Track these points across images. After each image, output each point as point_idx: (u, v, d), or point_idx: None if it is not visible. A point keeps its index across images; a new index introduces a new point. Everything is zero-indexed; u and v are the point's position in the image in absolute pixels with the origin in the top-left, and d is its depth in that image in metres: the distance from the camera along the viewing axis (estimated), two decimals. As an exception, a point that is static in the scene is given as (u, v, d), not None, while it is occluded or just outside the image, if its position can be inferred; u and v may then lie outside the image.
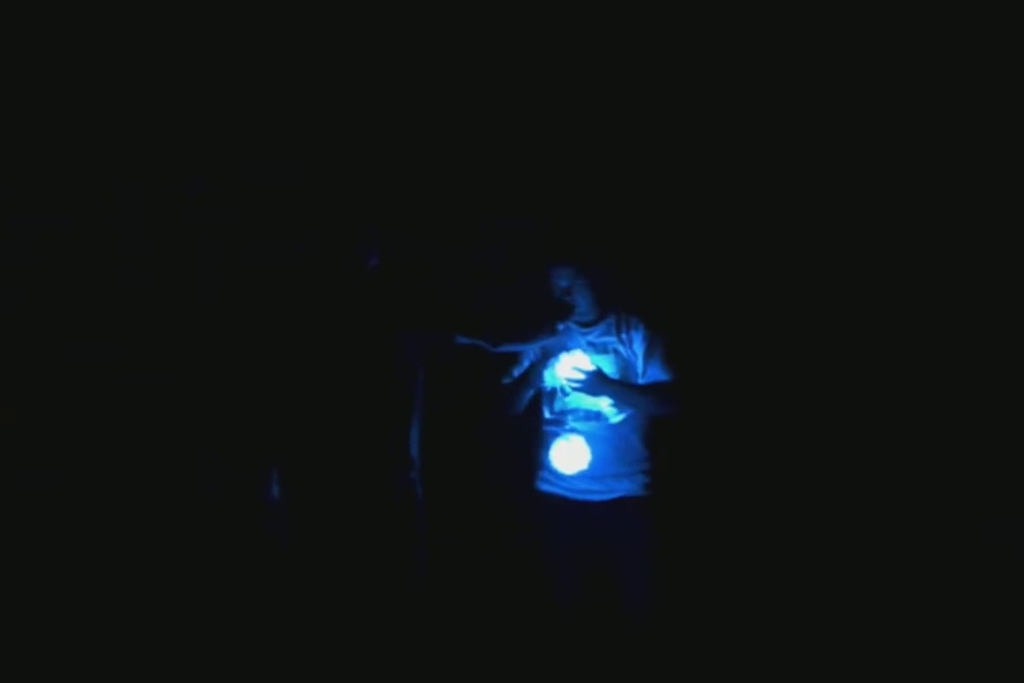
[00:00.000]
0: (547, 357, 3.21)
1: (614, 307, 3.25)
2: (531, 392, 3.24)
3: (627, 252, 3.54)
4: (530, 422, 3.29)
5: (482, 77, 3.69)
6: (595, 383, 3.10)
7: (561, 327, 3.24)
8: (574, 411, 3.20)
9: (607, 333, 3.23)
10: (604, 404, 3.17)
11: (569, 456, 3.14)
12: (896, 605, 3.49)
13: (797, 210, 3.78)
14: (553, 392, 3.22)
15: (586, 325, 3.24)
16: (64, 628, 3.22)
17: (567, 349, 3.17)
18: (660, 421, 3.20)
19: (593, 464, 3.13)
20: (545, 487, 3.24)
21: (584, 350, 3.18)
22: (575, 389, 3.13)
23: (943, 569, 3.51)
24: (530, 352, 3.27)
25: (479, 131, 3.72)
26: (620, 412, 3.16)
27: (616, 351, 3.21)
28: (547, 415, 3.26)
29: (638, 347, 3.21)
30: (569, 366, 3.11)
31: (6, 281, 3.38)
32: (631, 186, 3.79)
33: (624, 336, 3.22)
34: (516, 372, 3.28)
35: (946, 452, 3.61)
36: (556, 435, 3.19)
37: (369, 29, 3.62)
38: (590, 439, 3.15)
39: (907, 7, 3.55)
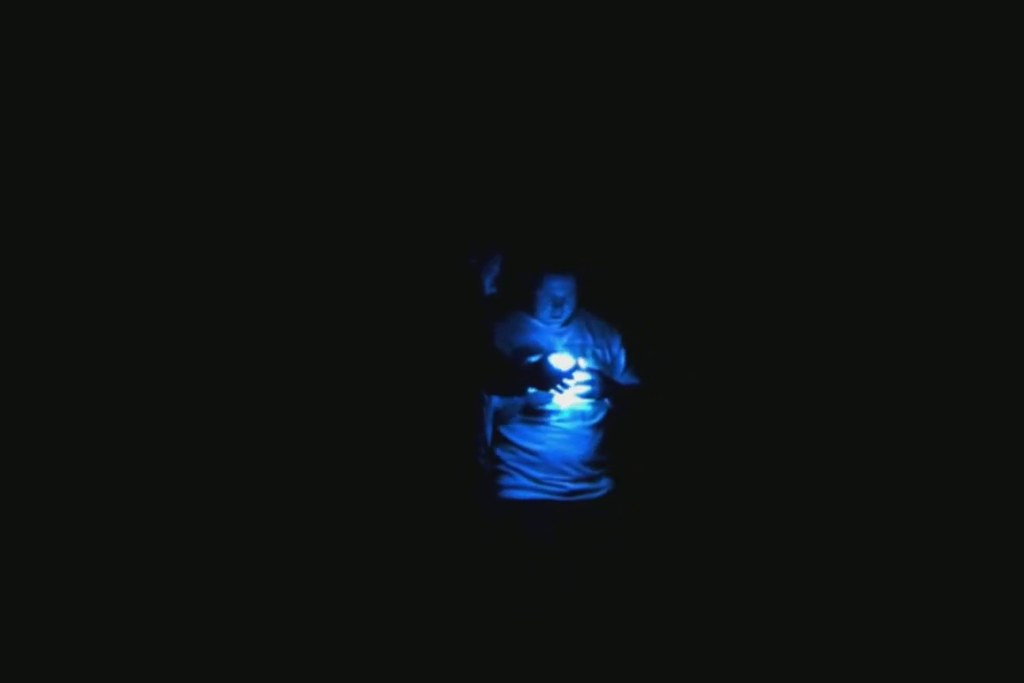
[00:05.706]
0: (522, 354, 3.19)
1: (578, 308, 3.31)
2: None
3: (617, 256, 3.62)
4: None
5: (475, 82, 3.71)
6: (604, 386, 3.15)
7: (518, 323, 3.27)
8: (557, 412, 3.19)
9: (580, 335, 3.28)
10: (586, 403, 3.18)
11: None
12: (895, 606, 3.50)
13: (792, 213, 3.81)
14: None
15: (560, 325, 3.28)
16: (64, 628, 3.21)
17: (544, 350, 3.17)
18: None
19: (583, 462, 3.16)
20: (523, 495, 3.17)
21: (559, 352, 3.18)
22: (585, 395, 3.12)
23: (942, 569, 3.53)
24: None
25: (478, 134, 3.73)
26: (599, 412, 3.22)
27: (595, 354, 3.25)
28: (519, 414, 3.22)
29: (617, 350, 3.31)
30: (565, 366, 3.09)
31: (6, 281, 3.37)
32: (625, 192, 3.81)
33: (601, 340, 3.29)
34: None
35: (946, 453, 3.63)
36: (536, 433, 3.18)
37: (370, 29, 3.63)
38: (575, 438, 3.17)
39: (907, 7, 3.58)
